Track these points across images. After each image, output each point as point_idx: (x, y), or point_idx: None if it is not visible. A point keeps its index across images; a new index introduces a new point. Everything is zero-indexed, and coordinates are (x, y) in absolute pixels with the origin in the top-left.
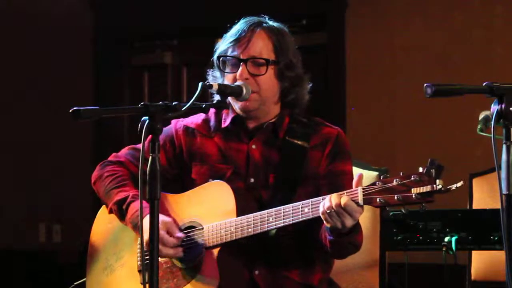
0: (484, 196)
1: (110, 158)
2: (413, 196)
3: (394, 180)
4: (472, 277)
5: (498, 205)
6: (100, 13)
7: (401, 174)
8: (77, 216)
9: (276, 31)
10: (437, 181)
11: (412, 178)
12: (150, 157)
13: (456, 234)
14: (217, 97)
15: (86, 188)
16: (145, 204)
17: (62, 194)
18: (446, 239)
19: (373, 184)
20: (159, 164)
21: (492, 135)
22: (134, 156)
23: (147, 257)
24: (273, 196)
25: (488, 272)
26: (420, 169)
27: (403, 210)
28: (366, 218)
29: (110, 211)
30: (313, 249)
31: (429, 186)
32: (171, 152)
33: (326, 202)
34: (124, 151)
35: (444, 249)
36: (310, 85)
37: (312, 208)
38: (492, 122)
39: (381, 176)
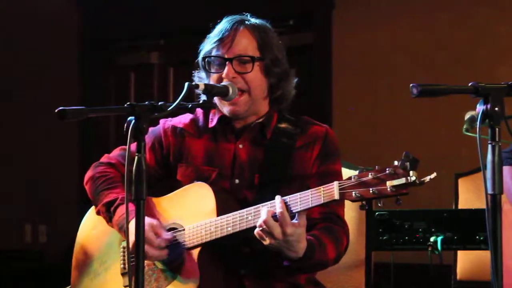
0: (470, 196)
1: (102, 159)
2: (388, 189)
3: (369, 174)
4: (458, 277)
5: (483, 205)
6: (86, 13)
7: (376, 167)
8: (63, 217)
9: (259, 28)
10: (411, 172)
11: (387, 171)
12: (136, 157)
13: (441, 234)
14: (203, 97)
15: (72, 188)
16: (132, 207)
17: (48, 194)
18: (432, 239)
19: (349, 178)
20: (145, 164)
21: (477, 135)
22: (124, 157)
23: (132, 259)
24: (258, 197)
25: (473, 272)
26: (395, 163)
27: (379, 204)
28: (352, 218)
29: (98, 213)
30: None
31: (404, 179)
32: (160, 153)
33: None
34: (116, 152)
35: (429, 249)
36: (296, 79)
37: (291, 204)
38: (478, 122)
39: (358, 170)
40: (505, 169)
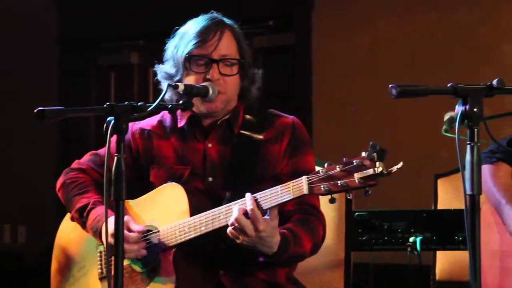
0: (449, 196)
1: (73, 166)
2: (356, 181)
3: (337, 166)
4: (437, 277)
5: (462, 206)
6: (67, 13)
7: (344, 160)
8: (42, 217)
9: (236, 30)
10: (377, 163)
11: (354, 163)
12: (115, 158)
13: (420, 234)
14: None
15: (51, 189)
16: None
17: (27, 195)
18: (411, 239)
19: (317, 172)
20: (125, 165)
21: (456, 136)
22: (95, 163)
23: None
24: (232, 194)
25: (452, 272)
26: (363, 154)
27: (348, 196)
28: (332, 219)
29: (72, 219)
30: None
31: (371, 170)
32: (129, 155)
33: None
34: (86, 157)
35: (409, 249)
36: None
37: (261, 200)
38: (457, 123)
39: (325, 164)
40: (485, 168)
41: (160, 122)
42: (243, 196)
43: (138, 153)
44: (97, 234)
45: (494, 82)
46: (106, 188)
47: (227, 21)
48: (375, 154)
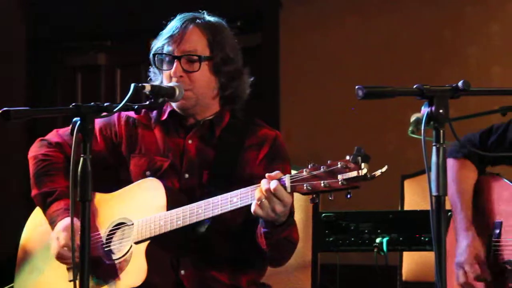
0: (415, 197)
1: (49, 136)
2: (339, 182)
3: (321, 167)
4: (403, 278)
5: (429, 207)
6: (34, 13)
7: (328, 162)
8: (11, 215)
9: (211, 26)
10: (362, 164)
11: (339, 165)
12: (81, 159)
13: (387, 235)
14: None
15: (20, 186)
16: (62, 205)
17: None
18: (378, 240)
19: (301, 172)
20: (91, 166)
21: (422, 137)
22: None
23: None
24: (206, 192)
25: (418, 272)
26: (347, 157)
27: (330, 197)
28: (299, 220)
29: (34, 197)
30: (246, 252)
31: (355, 172)
32: (110, 140)
33: (257, 192)
34: (66, 129)
35: (375, 250)
36: (251, 79)
37: (241, 198)
38: (423, 124)
39: (309, 165)
40: (449, 162)
41: (147, 113)
42: (216, 196)
43: (121, 140)
44: (53, 224)
45: (460, 83)
46: (71, 189)
47: (206, 17)
48: (359, 158)
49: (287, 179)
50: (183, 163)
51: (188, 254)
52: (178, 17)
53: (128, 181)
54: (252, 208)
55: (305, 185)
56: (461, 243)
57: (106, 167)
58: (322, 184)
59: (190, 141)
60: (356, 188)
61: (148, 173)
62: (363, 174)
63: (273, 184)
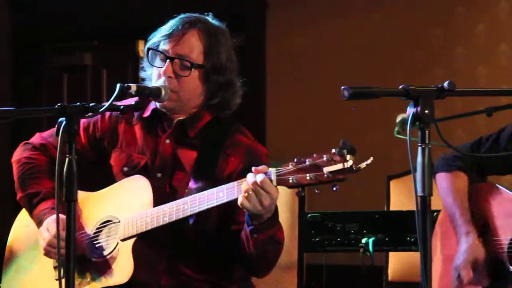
0: (401, 197)
1: (33, 140)
2: (325, 175)
3: (307, 160)
4: (389, 278)
5: (414, 207)
6: (19, 13)
7: (314, 155)
8: None
9: (211, 32)
10: (348, 156)
11: (324, 158)
12: (66, 159)
13: (373, 235)
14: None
15: (5, 187)
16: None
17: None
18: (364, 240)
19: (287, 165)
20: (76, 166)
21: (408, 138)
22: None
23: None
24: (178, 195)
25: (404, 273)
26: (333, 150)
27: (316, 191)
28: (285, 220)
29: (19, 200)
30: (231, 259)
31: (340, 164)
32: (93, 135)
33: (244, 184)
34: (50, 132)
35: (361, 250)
36: (241, 92)
37: (227, 193)
38: (408, 125)
39: (295, 159)
40: (441, 176)
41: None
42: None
43: (104, 134)
44: (40, 224)
45: (445, 84)
46: (57, 189)
47: (209, 21)
48: (345, 151)
49: (273, 172)
50: (156, 162)
51: (171, 256)
52: (182, 16)
53: (112, 176)
54: (239, 201)
55: (290, 178)
56: (461, 247)
57: (90, 162)
58: (308, 177)
59: (167, 141)
60: (342, 181)
61: (125, 169)
62: (348, 166)
63: (260, 177)
